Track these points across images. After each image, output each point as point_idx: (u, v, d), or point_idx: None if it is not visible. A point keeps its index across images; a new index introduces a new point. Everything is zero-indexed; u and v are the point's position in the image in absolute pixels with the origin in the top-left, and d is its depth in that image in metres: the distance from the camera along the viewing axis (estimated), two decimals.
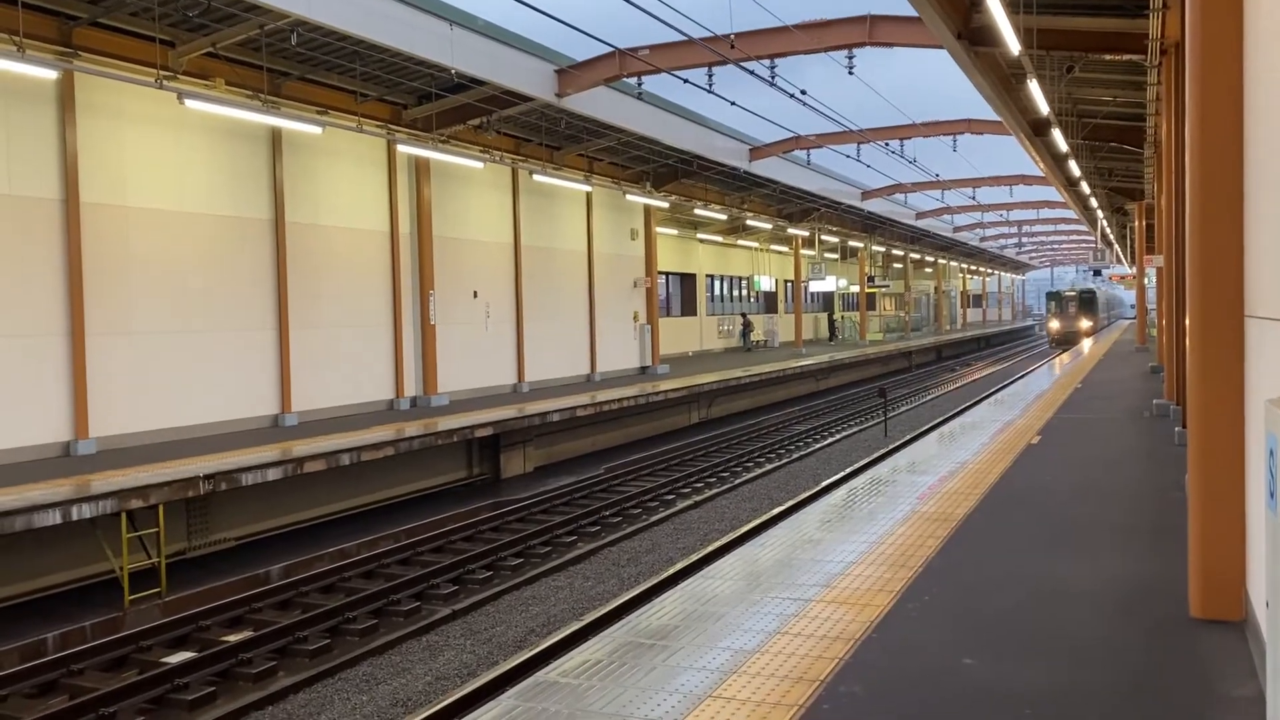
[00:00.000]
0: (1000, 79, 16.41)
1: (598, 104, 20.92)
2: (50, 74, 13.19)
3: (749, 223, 35.88)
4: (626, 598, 10.33)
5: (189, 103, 13.84)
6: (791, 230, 39.04)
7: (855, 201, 38.54)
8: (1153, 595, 5.87)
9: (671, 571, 11.30)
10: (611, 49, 18.06)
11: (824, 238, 42.28)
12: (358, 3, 15.10)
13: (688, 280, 39.65)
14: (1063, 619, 5.47)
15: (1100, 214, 35.57)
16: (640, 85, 21.40)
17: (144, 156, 15.30)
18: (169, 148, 15.68)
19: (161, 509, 11.43)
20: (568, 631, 9.25)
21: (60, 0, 13.60)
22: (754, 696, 4.47)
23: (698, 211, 32.04)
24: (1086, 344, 42.47)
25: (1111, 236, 47.90)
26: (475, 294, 22.60)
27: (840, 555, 6.99)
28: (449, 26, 16.72)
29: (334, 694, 8.42)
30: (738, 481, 17.70)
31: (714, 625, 5.53)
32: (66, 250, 14.11)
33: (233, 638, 9.63)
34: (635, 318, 29.78)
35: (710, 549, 12.31)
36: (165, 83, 14.01)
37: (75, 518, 10.60)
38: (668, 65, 18.32)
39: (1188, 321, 5.53)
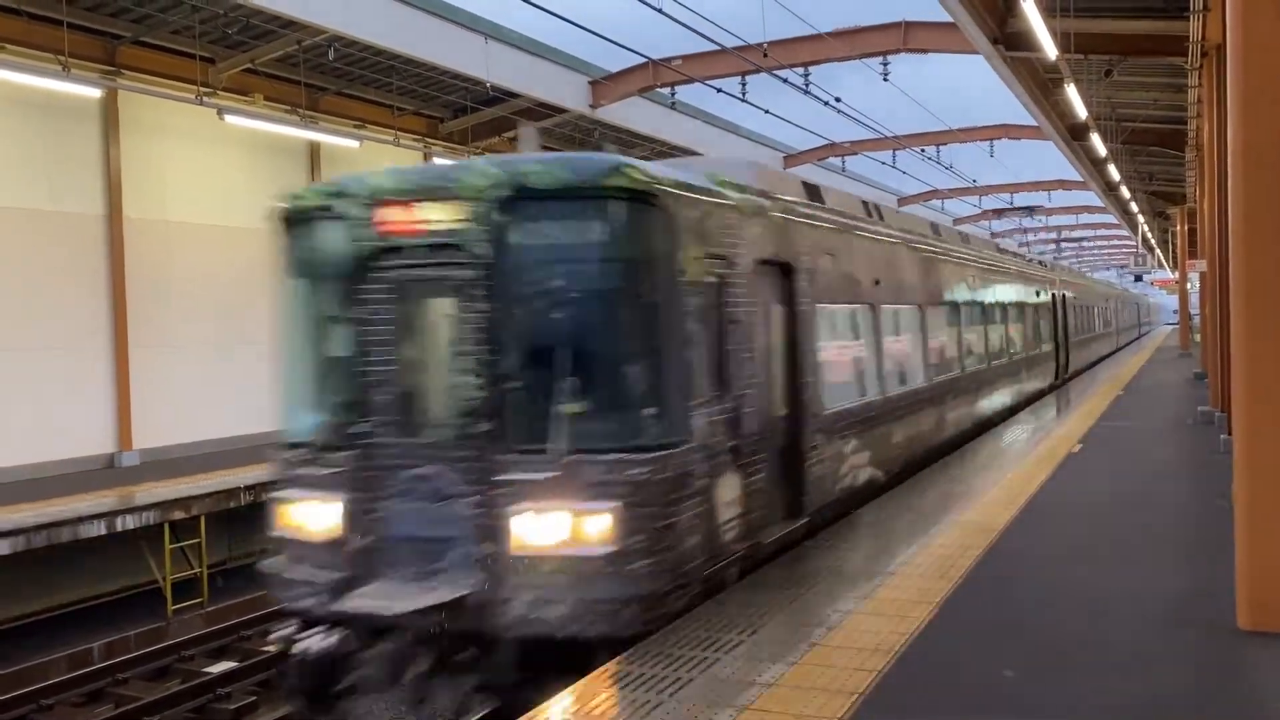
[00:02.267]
0: (1037, 83, 16.27)
1: (631, 115, 20.96)
2: (95, 92, 13.43)
3: None
4: None
5: (228, 118, 14.03)
6: None
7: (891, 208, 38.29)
8: (1199, 607, 5.76)
9: None
10: (645, 59, 18.10)
11: None
12: (393, 17, 15.26)
13: None
14: (1106, 631, 5.38)
15: (1141, 218, 35.11)
16: (674, 95, 21.43)
17: (185, 172, 15.52)
18: (209, 163, 15.89)
19: (203, 520, 11.56)
20: None
21: (105, 20, 13.86)
22: (792, 709, 4.44)
23: None
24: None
25: (1153, 241, 47.20)
26: None
27: (879, 565, 6.93)
28: (484, 40, 16.84)
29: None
30: None
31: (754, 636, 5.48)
32: (110, 264, 14.33)
33: (274, 649, 9.70)
34: None
35: None
36: (205, 99, 14.22)
37: (120, 529, 10.75)
38: (701, 75, 18.33)
39: (1232, 327, 5.44)
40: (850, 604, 6.00)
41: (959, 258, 13.63)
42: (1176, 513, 8.46)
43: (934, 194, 39.43)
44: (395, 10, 15.37)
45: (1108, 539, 7.52)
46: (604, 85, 19.61)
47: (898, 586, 6.35)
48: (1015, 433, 14.36)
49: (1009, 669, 4.83)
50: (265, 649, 9.67)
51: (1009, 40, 13.24)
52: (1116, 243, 67.23)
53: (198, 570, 11.47)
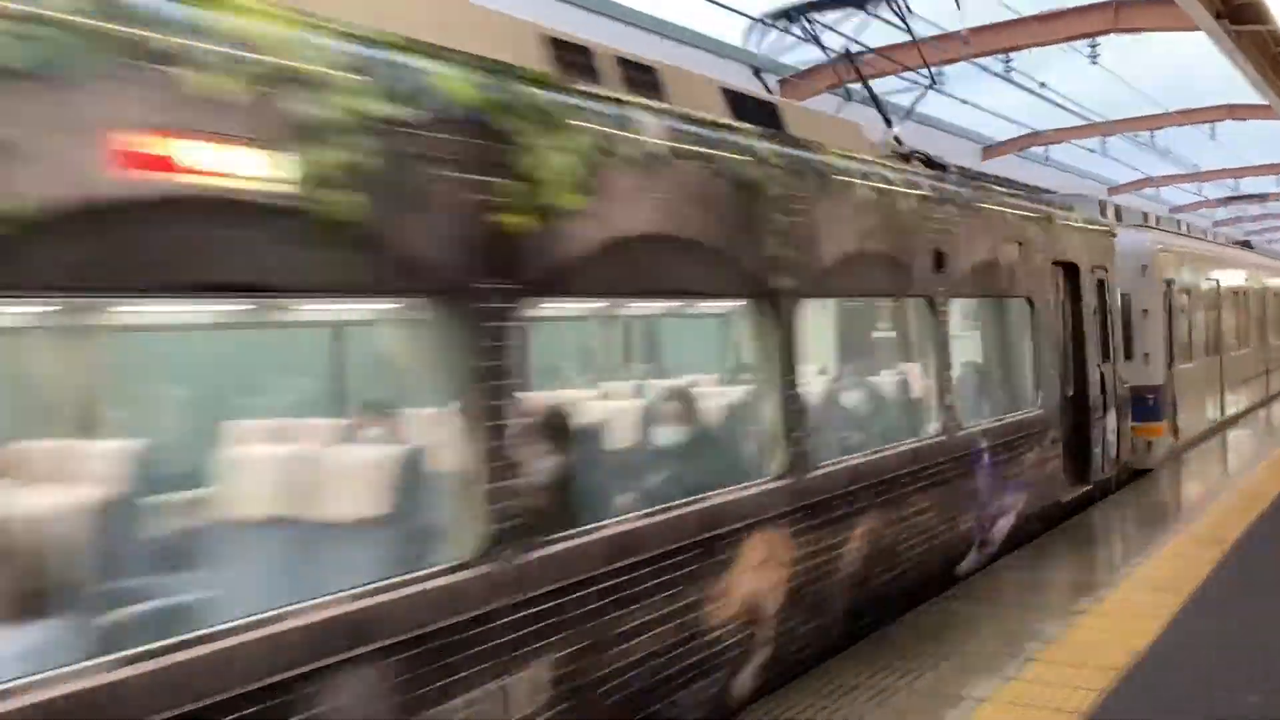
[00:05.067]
0: (1268, 59, 15.04)
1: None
2: None
3: None
4: None
5: None
6: None
7: (1102, 197, 36.38)
8: None
9: None
10: (837, 54, 17.77)
11: None
12: (563, 22, 15.48)
13: None
14: None
15: None
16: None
17: None
18: None
19: None
20: None
21: None
22: None
23: None
24: None
25: None
26: None
27: (1097, 578, 6.55)
28: (658, 39, 16.80)
29: None
30: None
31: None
32: None
33: None
34: None
35: None
36: None
37: None
38: (894, 67, 17.84)
39: None
40: (1066, 618, 5.67)
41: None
42: None
43: (1146, 182, 37.11)
44: (565, 13, 15.55)
45: None
46: (793, 83, 19.39)
47: (1119, 600, 5.97)
48: (1238, 434, 13.30)
49: (1254, 694, 4.43)
50: None
51: (1235, 13, 12.26)
52: None
53: None
